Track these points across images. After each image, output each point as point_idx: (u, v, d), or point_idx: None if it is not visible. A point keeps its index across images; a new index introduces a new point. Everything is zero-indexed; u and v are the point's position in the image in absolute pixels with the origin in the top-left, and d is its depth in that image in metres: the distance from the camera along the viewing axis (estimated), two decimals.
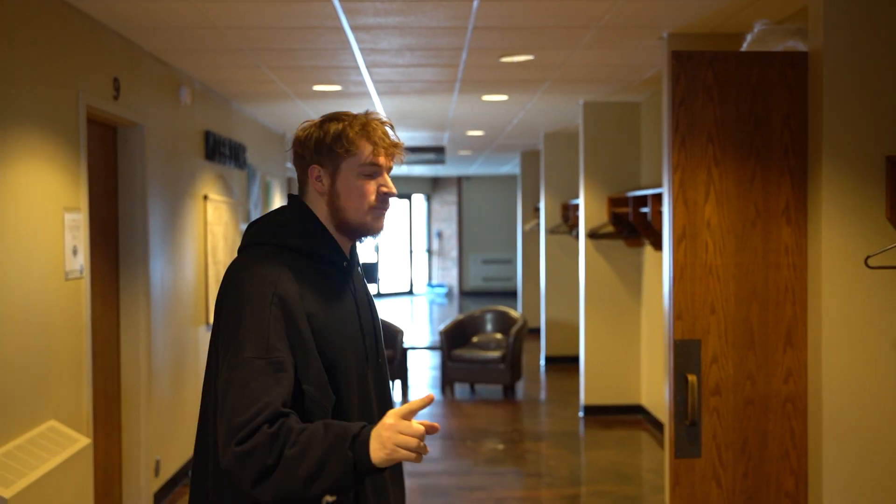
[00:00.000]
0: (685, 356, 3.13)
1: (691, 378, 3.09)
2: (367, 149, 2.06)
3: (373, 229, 2.11)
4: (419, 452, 1.81)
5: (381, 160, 2.08)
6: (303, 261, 2.03)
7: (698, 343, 3.13)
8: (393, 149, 2.10)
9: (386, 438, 1.79)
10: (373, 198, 2.09)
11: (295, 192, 2.23)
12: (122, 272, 5.36)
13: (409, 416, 1.82)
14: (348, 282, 2.12)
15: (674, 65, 3.14)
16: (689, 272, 3.13)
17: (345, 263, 2.11)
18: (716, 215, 3.13)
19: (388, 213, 2.13)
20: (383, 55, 5.74)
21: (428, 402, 1.85)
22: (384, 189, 2.09)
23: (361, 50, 5.56)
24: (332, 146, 2.06)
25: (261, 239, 2.07)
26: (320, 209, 2.10)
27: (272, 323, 1.90)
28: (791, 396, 3.17)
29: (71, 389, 4.34)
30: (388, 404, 2.18)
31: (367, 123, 2.09)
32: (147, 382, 5.44)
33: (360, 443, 1.81)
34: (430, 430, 1.83)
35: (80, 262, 4.41)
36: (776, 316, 3.15)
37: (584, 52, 5.66)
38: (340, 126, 2.07)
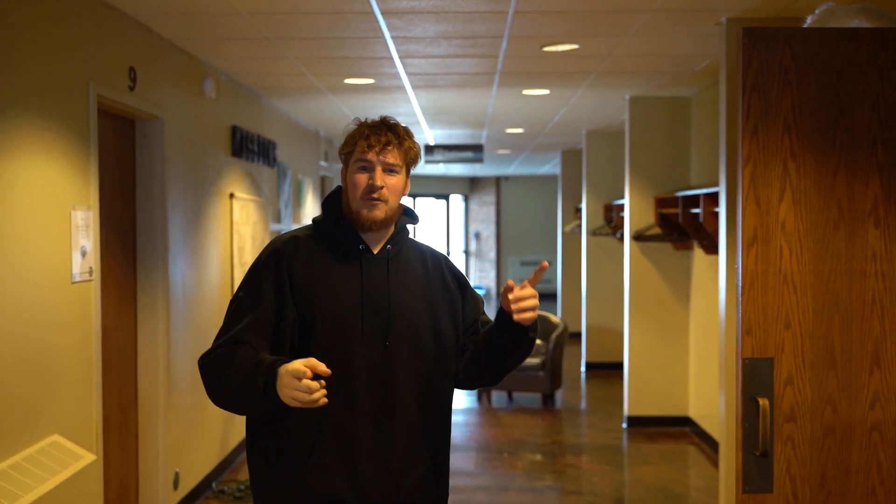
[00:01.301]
0: (755, 377, 2.73)
1: (762, 402, 2.69)
2: (360, 146, 2.37)
3: (364, 219, 2.37)
4: (313, 400, 2.13)
5: (370, 156, 2.35)
6: (320, 236, 2.43)
7: (770, 362, 2.74)
8: (381, 146, 2.34)
9: (282, 385, 2.17)
10: (361, 190, 2.36)
11: (330, 189, 2.84)
12: (139, 274, 5.06)
13: (311, 367, 2.15)
14: (361, 263, 2.40)
15: (745, 43, 2.74)
16: (760, 281, 2.73)
17: (361, 247, 2.40)
18: (792, 216, 2.73)
19: (383, 205, 2.37)
20: (418, 44, 5.38)
21: (325, 373, 2.18)
22: (371, 181, 2.35)
23: (394, 38, 5.21)
24: (344, 147, 2.43)
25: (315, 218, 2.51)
26: (345, 202, 2.43)
27: (263, 271, 2.38)
28: (878, 424, 2.76)
29: (77, 402, 4.03)
30: (393, 391, 2.38)
31: (363, 123, 2.41)
32: (166, 390, 5.14)
33: (269, 374, 2.19)
34: (319, 372, 2.16)
35: (89, 263, 4.10)
36: (861, 332, 2.75)
37: (632, 41, 5.26)
38: (350, 129, 2.42)
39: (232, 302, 2.41)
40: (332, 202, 2.45)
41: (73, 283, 3.96)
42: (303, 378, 2.13)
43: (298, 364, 2.15)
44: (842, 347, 2.77)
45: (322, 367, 2.15)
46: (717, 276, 6.56)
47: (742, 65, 2.76)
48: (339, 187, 2.46)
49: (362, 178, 2.35)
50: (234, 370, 2.25)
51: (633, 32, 5.04)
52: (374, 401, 2.35)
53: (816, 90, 2.75)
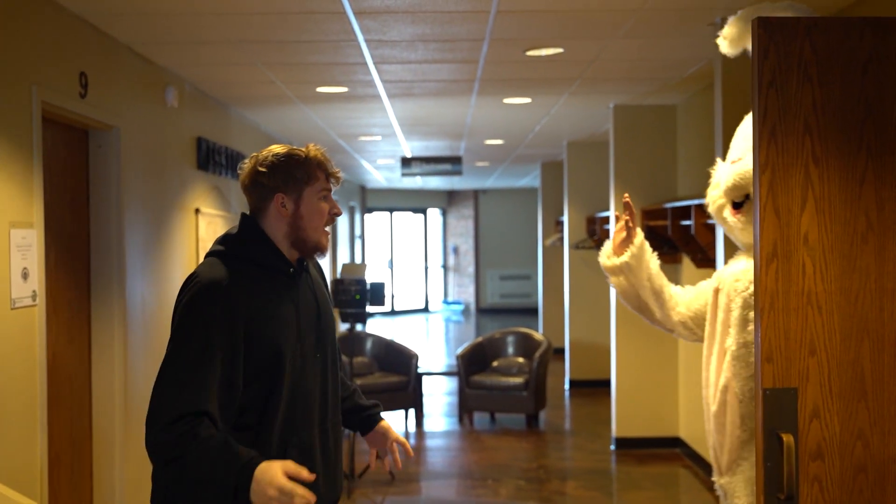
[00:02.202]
0: (777, 410, 2.41)
1: (786, 438, 2.37)
2: (321, 177, 2.42)
3: (323, 246, 2.48)
4: None
5: (332, 186, 2.45)
6: (243, 265, 2.35)
7: (794, 393, 2.42)
8: (338, 176, 2.47)
9: (259, 491, 2.13)
10: (325, 218, 2.45)
11: None
12: (93, 296, 4.68)
13: (294, 475, 2.16)
14: (293, 288, 2.42)
15: (761, 35, 2.44)
16: (781, 301, 2.41)
17: (290, 270, 2.42)
18: (815, 228, 2.42)
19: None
20: (393, 48, 5.06)
21: (309, 479, 2.19)
22: (334, 210, 2.46)
23: (368, 42, 4.88)
24: (298, 176, 2.37)
25: (219, 250, 2.40)
26: (279, 229, 2.40)
27: (217, 317, 2.24)
28: None
29: (18, 442, 3.64)
30: (331, 398, 2.49)
31: (320, 155, 2.42)
32: (123, 422, 4.75)
33: (243, 474, 2.14)
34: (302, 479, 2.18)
35: (32, 287, 3.73)
36: (895, 357, 2.44)
37: (621, 44, 4.97)
38: (302, 158, 2.38)
39: (177, 353, 2.27)
40: (258, 233, 2.38)
41: (13, 308, 3.58)
42: (291, 495, 2.13)
43: (281, 478, 2.13)
44: (873, 376, 2.46)
45: (305, 474, 2.18)
46: None
47: (757, 59, 2.45)
48: (250, 218, 2.41)
49: (325, 207, 2.43)
50: (201, 458, 2.16)
51: (622, 34, 4.74)
52: (322, 411, 2.46)
53: (841, 86, 2.45)
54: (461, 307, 20.06)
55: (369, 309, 6.91)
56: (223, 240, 2.42)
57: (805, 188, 2.44)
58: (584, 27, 4.61)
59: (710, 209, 3.04)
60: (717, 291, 2.93)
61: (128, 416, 4.82)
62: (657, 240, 7.08)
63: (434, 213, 20.65)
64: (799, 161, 2.45)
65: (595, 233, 9.48)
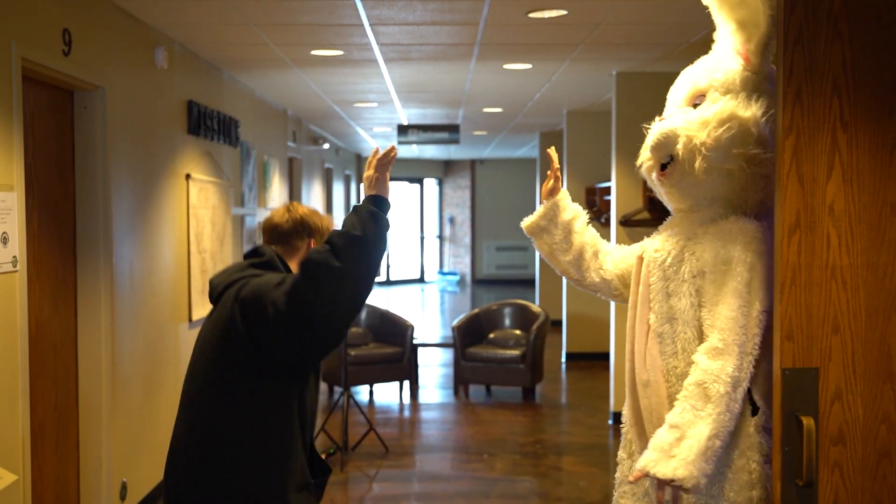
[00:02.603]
0: (797, 391, 2.27)
1: (806, 422, 2.23)
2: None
3: None
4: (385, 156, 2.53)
5: None
6: None
7: (815, 373, 2.28)
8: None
9: (379, 185, 2.54)
10: None
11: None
12: (79, 262, 4.52)
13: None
14: None
15: None
16: (803, 276, 2.27)
17: None
18: (842, 197, 2.27)
19: None
20: (390, 8, 4.86)
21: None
22: None
23: (364, 1, 4.69)
24: (322, 231, 2.76)
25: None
26: (294, 265, 2.69)
27: None
28: None
29: None
30: None
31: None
32: (110, 392, 4.61)
33: (368, 201, 2.52)
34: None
35: (12, 252, 3.57)
36: None
37: (627, 6, 4.78)
38: (324, 219, 2.81)
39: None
40: (281, 262, 2.66)
41: None
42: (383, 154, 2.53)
43: (370, 170, 2.55)
44: None
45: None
46: None
47: (783, 13, 2.28)
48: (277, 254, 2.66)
49: None
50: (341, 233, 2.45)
51: None
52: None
53: (873, 44, 2.28)
54: (457, 278, 19.94)
55: None
56: (265, 259, 2.64)
57: (832, 154, 2.28)
58: None
59: (642, 170, 2.73)
60: (640, 260, 2.66)
61: (115, 384, 4.68)
62: (657, 210, 6.92)
63: (430, 183, 20.45)
64: (826, 125, 2.28)
65: (595, 204, 9.32)
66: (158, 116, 5.44)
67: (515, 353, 8.06)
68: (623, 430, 2.74)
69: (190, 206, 5.94)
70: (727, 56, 2.60)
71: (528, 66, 6.72)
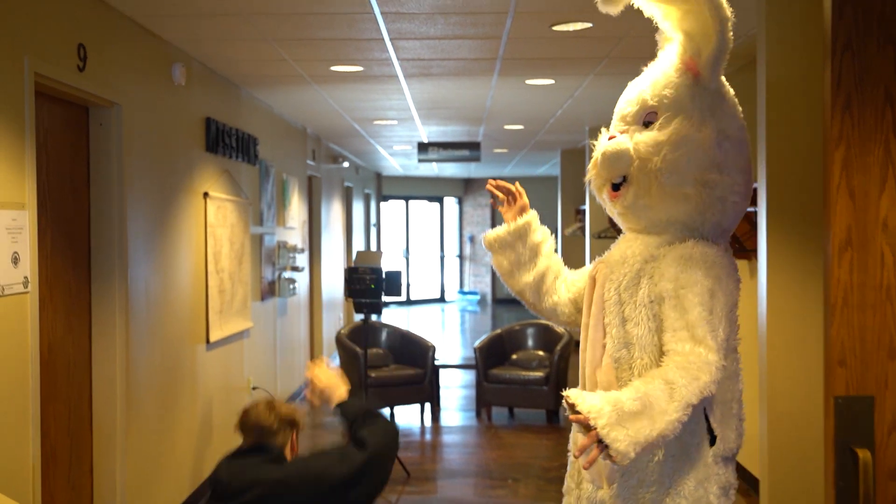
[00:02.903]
0: (851, 421, 2.12)
1: (862, 454, 2.08)
2: None
3: None
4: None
5: None
6: None
7: (871, 402, 2.13)
8: None
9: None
10: None
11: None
12: (94, 282, 4.42)
13: None
14: None
15: None
16: (856, 297, 2.12)
17: None
18: None
19: None
20: (411, 22, 4.76)
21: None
22: None
23: (384, 15, 4.59)
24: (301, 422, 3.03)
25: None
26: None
27: None
28: None
29: (7, 439, 3.38)
30: None
31: None
32: (125, 415, 4.50)
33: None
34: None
35: (23, 272, 3.47)
36: None
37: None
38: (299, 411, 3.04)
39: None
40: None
41: (2, 296, 3.32)
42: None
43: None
44: None
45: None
46: (744, 282, 5.94)
47: (831, 19, 2.15)
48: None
49: None
50: None
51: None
52: None
53: None
54: (477, 297, 19.79)
55: (384, 299, 6.63)
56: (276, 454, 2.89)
57: (885, 167, 2.14)
58: None
59: (591, 186, 2.55)
60: (592, 280, 2.50)
61: (130, 407, 4.56)
62: None
63: (450, 202, 20.35)
64: (878, 135, 2.14)
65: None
66: (176, 134, 5.36)
67: (539, 374, 7.90)
68: (570, 458, 2.57)
69: (208, 225, 5.85)
70: (676, 70, 2.42)
71: (551, 81, 6.61)
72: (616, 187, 2.41)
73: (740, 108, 2.53)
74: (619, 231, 9.38)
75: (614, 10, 2.51)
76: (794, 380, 4.25)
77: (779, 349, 4.25)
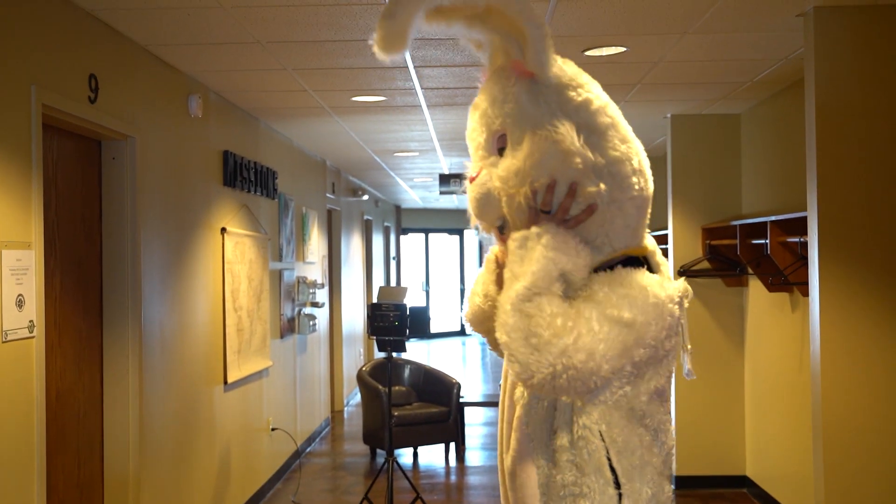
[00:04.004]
0: None
1: None
2: None
3: None
4: None
5: None
6: None
7: None
8: None
9: None
10: None
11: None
12: (105, 324, 4.21)
13: None
14: None
15: None
16: None
17: None
18: None
19: None
20: (437, 49, 4.56)
21: None
22: None
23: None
24: None
25: None
26: None
27: None
28: None
29: (10, 496, 3.15)
30: None
31: None
32: (138, 464, 4.27)
33: None
34: None
35: (28, 316, 3.25)
36: None
37: (691, 41, 4.44)
38: None
39: None
40: None
41: (5, 342, 3.10)
42: None
43: None
44: None
45: None
46: (784, 316, 5.68)
47: None
48: None
49: None
50: None
51: (694, 29, 4.21)
52: None
53: None
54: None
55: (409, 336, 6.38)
56: None
57: None
58: (654, 20, 4.09)
59: (482, 234, 2.17)
60: None
61: (144, 455, 4.33)
62: (722, 260, 6.51)
63: (471, 235, 20.14)
64: None
65: None
66: (192, 167, 5.17)
67: None
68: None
69: (225, 262, 5.64)
70: (508, 79, 2.01)
71: None
72: (501, 231, 2.06)
73: (586, 78, 2.04)
74: None
75: (394, 53, 1.99)
76: (851, 418, 3.97)
77: (833, 388, 3.97)
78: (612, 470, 1.90)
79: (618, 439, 1.90)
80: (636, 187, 1.98)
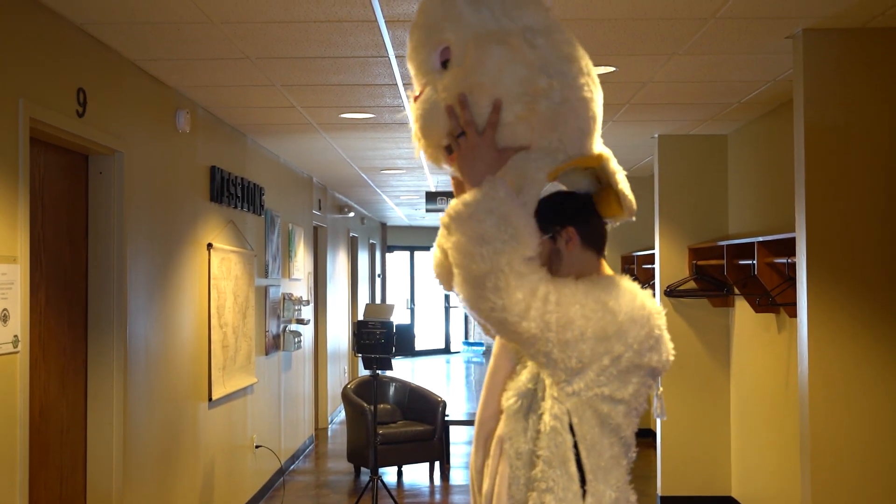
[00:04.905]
0: None
1: None
2: None
3: None
4: None
5: None
6: None
7: None
8: None
9: None
10: None
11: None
12: (90, 339, 4.17)
13: None
14: None
15: None
16: None
17: None
18: None
19: None
20: None
21: None
22: None
23: (399, 58, 4.39)
24: None
25: None
26: None
27: None
28: None
29: None
30: None
31: None
32: (121, 481, 4.22)
33: None
34: None
35: (13, 331, 3.21)
36: None
37: (681, 61, 4.46)
38: None
39: None
40: None
41: None
42: None
43: None
44: None
45: None
46: (770, 336, 5.70)
47: None
48: None
49: None
50: None
51: (685, 50, 4.23)
52: None
53: None
54: (482, 348, 19.47)
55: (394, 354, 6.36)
56: None
57: None
58: (644, 40, 4.11)
59: (427, 160, 2.14)
60: None
61: (127, 472, 4.28)
62: (708, 280, 6.53)
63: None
64: None
65: (633, 272, 8.93)
66: (179, 183, 5.15)
67: None
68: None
69: (211, 278, 5.61)
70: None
71: None
72: (450, 150, 2.03)
73: None
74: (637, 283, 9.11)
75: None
76: (839, 439, 3.97)
77: (821, 408, 3.97)
78: (580, 468, 1.91)
79: (587, 436, 1.91)
80: (586, 88, 1.97)
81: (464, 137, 1.97)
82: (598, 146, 2.05)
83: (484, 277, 1.89)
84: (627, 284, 2.00)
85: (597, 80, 2.04)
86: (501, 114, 1.93)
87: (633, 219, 2.13)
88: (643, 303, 1.96)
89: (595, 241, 2.09)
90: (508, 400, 2.04)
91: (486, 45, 1.91)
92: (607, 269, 2.11)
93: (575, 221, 2.05)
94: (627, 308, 1.92)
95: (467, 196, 1.93)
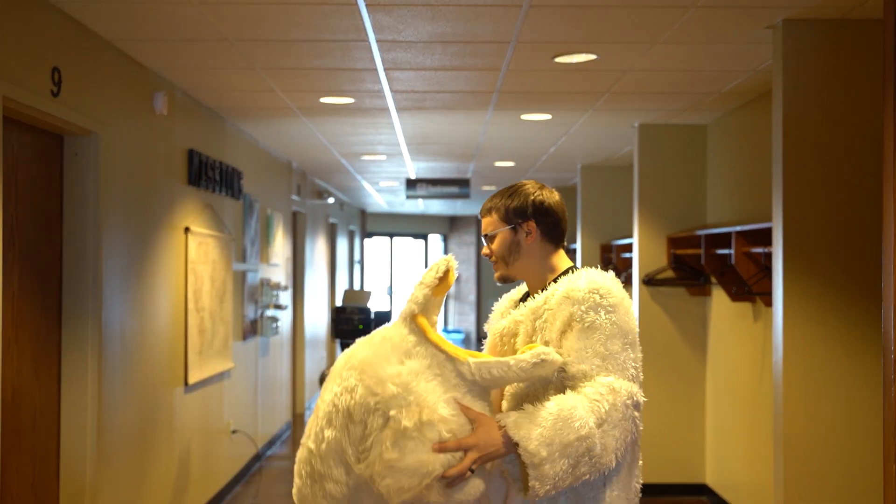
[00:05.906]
0: None
1: None
2: None
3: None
4: None
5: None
6: None
7: None
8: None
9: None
10: None
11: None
12: (65, 323, 4.12)
13: None
14: None
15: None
16: None
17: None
18: None
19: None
20: (407, 51, 4.54)
21: None
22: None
23: (380, 42, 4.36)
24: None
25: None
26: None
27: None
28: None
29: None
30: None
31: None
32: (95, 467, 4.18)
33: None
34: None
35: None
36: None
37: (662, 50, 4.46)
38: None
39: None
40: None
41: None
42: None
43: None
44: None
45: None
46: (746, 326, 5.73)
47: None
48: None
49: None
50: None
51: (666, 38, 4.23)
52: None
53: None
54: (462, 336, 19.50)
55: None
56: None
57: None
58: (625, 28, 4.10)
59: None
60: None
61: (101, 457, 4.25)
62: (682, 269, 6.55)
63: (435, 239, 20.14)
64: None
65: (611, 261, 8.95)
66: (156, 165, 5.10)
67: None
68: None
69: (188, 262, 5.57)
70: None
71: (548, 116, 6.40)
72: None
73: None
74: (616, 272, 9.21)
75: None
76: (812, 427, 4.00)
77: (795, 397, 4.00)
78: None
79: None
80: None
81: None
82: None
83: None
84: (591, 274, 2.20)
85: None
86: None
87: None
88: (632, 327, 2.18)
89: (555, 236, 2.31)
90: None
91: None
92: (565, 261, 2.31)
93: (536, 218, 2.29)
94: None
95: (525, 458, 1.96)
